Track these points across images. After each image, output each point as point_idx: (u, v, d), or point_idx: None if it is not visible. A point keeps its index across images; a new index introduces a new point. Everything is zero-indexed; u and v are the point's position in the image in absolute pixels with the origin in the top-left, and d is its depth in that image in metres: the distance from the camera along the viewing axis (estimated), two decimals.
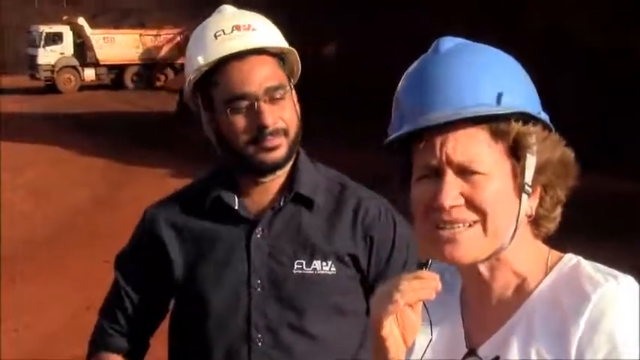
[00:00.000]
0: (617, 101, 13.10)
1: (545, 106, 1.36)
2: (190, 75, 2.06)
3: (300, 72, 2.15)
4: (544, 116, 1.33)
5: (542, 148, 1.31)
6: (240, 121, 2.00)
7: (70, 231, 11.87)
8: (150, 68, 39.59)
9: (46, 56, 38.11)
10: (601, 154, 10.94)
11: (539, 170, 1.31)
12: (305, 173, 2.10)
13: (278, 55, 2.09)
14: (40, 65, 38.15)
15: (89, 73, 39.08)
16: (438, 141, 1.29)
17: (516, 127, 1.29)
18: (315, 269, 2.04)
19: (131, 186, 14.91)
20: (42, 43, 38.20)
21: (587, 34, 13.91)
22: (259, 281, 2.05)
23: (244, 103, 2.00)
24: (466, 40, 1.38)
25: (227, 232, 2.09)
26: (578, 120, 10.40)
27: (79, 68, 38.79)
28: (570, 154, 1.35)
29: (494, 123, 1.28)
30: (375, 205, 2.11)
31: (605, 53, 13.47)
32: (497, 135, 1.29)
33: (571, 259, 1.35)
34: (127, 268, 2.22)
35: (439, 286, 1.30)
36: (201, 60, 2.03)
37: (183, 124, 22.79)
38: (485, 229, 1.30)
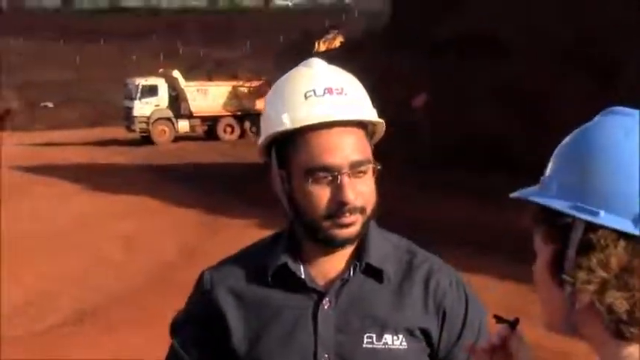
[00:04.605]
0: None
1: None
2: (270, 130, 1.91)
3: (379, 139, 2.03)
4: (574, 212, 1.27)
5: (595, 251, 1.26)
6: (319, 192, 1.87)
7: (160, 283, 11.94)
8: (242, 119, 40.09)
9: (142, 108, 38.97)
10: None
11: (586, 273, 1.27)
12: (375, 243, 1.97)
13: (366, 125, 1.94)
14: (136, 117, 38.99)
15: (183, 125, 39.80)
16: None
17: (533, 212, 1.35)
18: (386, 343, 1.90)
19: (223, 237, 14.94)
20: (138, 95, 39.11)
21: None
22: (327, 355, 1.90)
23: (327, 175, 1.86)
24: (632, 112, 1.33)
25: (292, 302, 1.94)
26: None
27: (174, 120, 39.54)
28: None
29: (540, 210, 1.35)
30: (446, 277, 1.99)
31: None
32: (536, 220, 1.36)
33: None
34: (183, 335, 2.06)
35: None
36: (286, 120, 1.87)
37: None
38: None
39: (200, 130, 40.63)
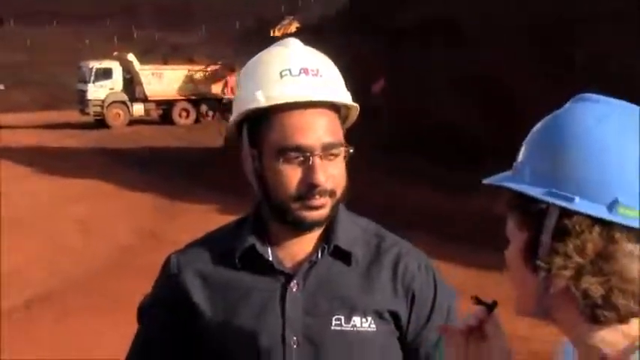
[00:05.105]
0: None
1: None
2: (243, 108, 1.88)
3: (351, 123, 2.02)
4: (548, 198, 1.28)
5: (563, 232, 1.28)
6: (290, 173, 1.84)
7: (118, 266, 11.88)
8: (198, 103, 39.91)
9: (96, 91, 38.64)
10: None
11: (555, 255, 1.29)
12: (343, 226, 1.96)
13: (339, 108, 1.93)
14: (90, 100, 38.65)
15: (138, 109, 39.51)
16: None
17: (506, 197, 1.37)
18: (354, 326, 1.89)
19: (179, 221, 14.92)
20: (92, 78, 38.74)
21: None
22: (295, 338, 1.89)
23: (298, 156, 1.84)
24: (601, 99, 1.35)
25: (260, 284, 1.93)
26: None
27: (128, 103, 39.24)
28: (615, 249, 1.27)
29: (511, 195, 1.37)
30: (415, 260, 2.00)
31: None
32: (510, 206, 1.37)
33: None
34: (150, 319, 2.05)
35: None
36: (260, 97, 1.84)
37: (230, 160, 22.95)
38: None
39: (155, 114, 40.36)
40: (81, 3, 79.92)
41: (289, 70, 1.86)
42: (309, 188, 1.84)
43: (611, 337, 1.29)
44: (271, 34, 35.92)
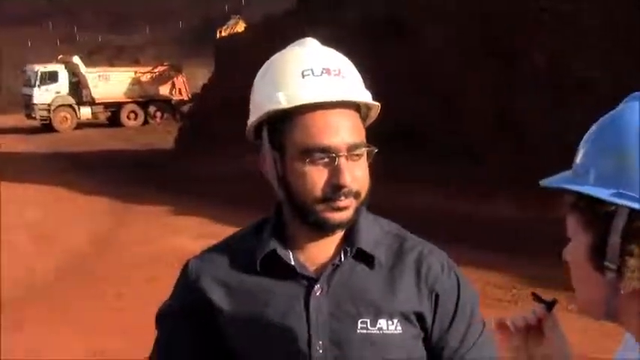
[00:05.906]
0: None
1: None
2: (264, 109, 1.86)
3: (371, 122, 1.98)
4: (616, 199, 1.27)
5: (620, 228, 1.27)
6: (315, 174, 1.82)
7: (72, 273, 11.75)
8: (146, 105, 39.68)
9: (42, 95, 38.21)
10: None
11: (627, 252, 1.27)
12: (365, 227, 1.93)
13: (360, 108, 1.90)
14: (36, 105, 38.22)
15: (85, 112, 39.18)
16: None
17: (568, 199, 1.36)
18: (380, 329, 1.86)
19: (132, 225, 14.82)
20: (37, 82, 38.30)
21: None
22: (321, 342, 1.86)
23: (324, 157, 1.81)
24: None
25: (282, 290, 1.89)
26: None
27: (75, 107, 38.87)
28: None
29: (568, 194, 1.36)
30: (437, 261, 1.96)
31: None
32: (574, 208, 1.36)
33: None
34: (170, 327, 2.01)
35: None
36: (282, 98, 1.81)
37: (181, 162, 22.93)
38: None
39: (103, 116, 40.03)
40: (17, 4, 78.59)
41: (311, 70, 1.83)
42: (335, 189, 1.81)
43: None
44: (217, 35, 35.74)
